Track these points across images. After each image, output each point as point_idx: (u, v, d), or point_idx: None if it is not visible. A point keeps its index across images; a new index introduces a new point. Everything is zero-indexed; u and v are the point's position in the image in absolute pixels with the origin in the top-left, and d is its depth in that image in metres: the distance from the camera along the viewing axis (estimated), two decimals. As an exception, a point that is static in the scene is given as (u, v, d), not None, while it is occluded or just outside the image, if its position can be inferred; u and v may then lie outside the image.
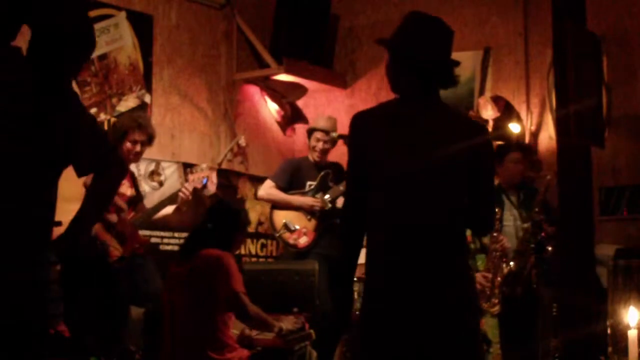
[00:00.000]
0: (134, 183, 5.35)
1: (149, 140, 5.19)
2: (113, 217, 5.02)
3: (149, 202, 5.76)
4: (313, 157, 6.11)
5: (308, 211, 5.95)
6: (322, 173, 6.04)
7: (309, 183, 6.04)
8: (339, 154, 6.86)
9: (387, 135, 2.90)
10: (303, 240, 5.91)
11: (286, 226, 5.91)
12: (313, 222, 5.97)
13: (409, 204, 2.84)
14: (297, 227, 5.91)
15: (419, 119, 2.90)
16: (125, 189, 5.17)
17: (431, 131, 2.88)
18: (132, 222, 5.12)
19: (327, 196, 5.97)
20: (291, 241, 5.94)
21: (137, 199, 5.28)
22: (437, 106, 2.95)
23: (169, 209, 5.31)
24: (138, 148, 5.12)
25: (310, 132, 6.20)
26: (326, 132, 6.09)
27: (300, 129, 7.27)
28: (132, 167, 5.54)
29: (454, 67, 2.97)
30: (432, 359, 2.81)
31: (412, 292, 2.80)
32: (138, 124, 5.14)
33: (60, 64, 2.29)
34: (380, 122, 2.94)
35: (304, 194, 6.00)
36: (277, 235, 5.99)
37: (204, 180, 5.36)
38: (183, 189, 5.25)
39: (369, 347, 2.86)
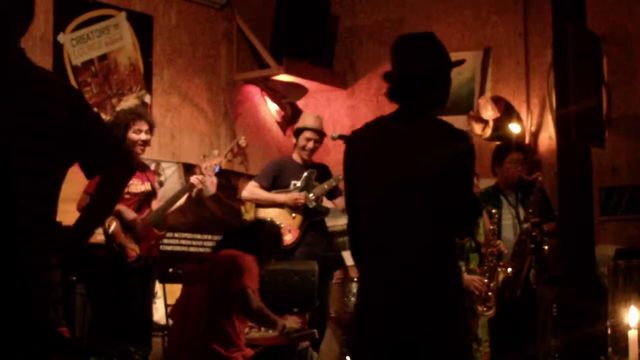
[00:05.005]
0: (148, 176, 5.33)
1: (151, 128, 5.23)
2: (130, 215, 5.03)
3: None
4: (301, 156, 6.03)
5: (292, 207, 5.91)
6: (306, 172, 6.00)
7: (293, 182, 5.99)
8: (340, 154, 6.84)
9: (369, 152, 2.97)
10: (288, 238, 5.87)
11: None
12: (297, 219, 5.93)
13: (390, 222, 2.87)
14: (282, 224, 5.88)
15: (399, 135, 2.94)
16: (135, 187, 5.16)
17: (411, 145, 2.91)
18: (147, 220, 5.13)
19: (311, 194, 5.94)
20: None
21: (152, 194, 5.28)
22: (420, 120, 2.97)
23: (182, 200, 5.35)
24: (143, 136, 5.16)
25: (299, 131, 6.10)
26: (316, 130, 6.03)
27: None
28: (147, 162, 5.52)
29: (439, 81, 2.99)
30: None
31: (398, 308, 2.84)
32: (137, 114, 5.21)
33: None
34: (366, 139, 3.02)
35: (288, 192, 5.96)
36: None
37: (217, 168, 5.41)
38: (196, 177, 5.31)
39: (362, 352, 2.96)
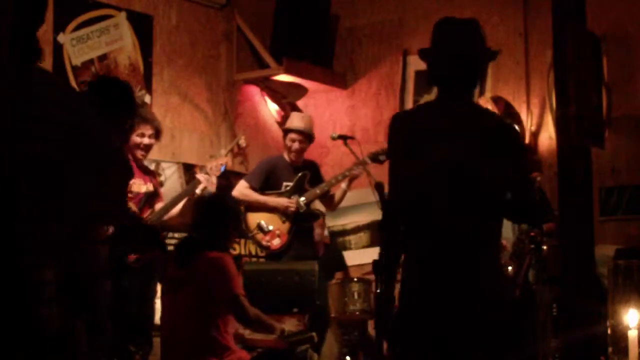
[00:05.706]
0: (151, 178, 5.31)
1: (157, 133, 5.21)
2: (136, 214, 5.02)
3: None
4: (289, 157, 5.98)
5: (282, 212, 5.87)
6: (299, 175, 5.94)
7: (285, 184, 5.94)
8: (340, 154, 6.86)
9: (423, 133, 2.99)
10: (276, 242, 5.83)
11: (260, 227, 5.80)
12: (287, 224, 5.86)
13: (443, 201, 2.91)
14: (271, 228, 5.82)
15: (453, 118, 2.99)
16: (138, 186, 5.15)
17: (464, 128, 2.96)
18: (149, 219, 5.12)
19: (302, 198, 5.90)
20: (264, 242, 5.86)
21: (154, 195, 5.27)
22: (468, 105, 3.04)
23: (183, 202, 5.33)
24: (146, 140, 5.14)
25: (285, 132, 6.07)
26: (300, 132, 5.97)
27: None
28: (147, 162, 5.51)
29: (478, 65, 3.10)
30: (461, 349, 2.89)
31: (444, 286, 2.88)
32: (143, 117, 5.17)
33: None
34: (417, 122, 3.06)
35: (279, 194, 5.92)
36: (251, 235, 5.93)
37: (222, 168, 5.40)
38: (200, 175, 5.30)
39: (406, 335, 2.98)
